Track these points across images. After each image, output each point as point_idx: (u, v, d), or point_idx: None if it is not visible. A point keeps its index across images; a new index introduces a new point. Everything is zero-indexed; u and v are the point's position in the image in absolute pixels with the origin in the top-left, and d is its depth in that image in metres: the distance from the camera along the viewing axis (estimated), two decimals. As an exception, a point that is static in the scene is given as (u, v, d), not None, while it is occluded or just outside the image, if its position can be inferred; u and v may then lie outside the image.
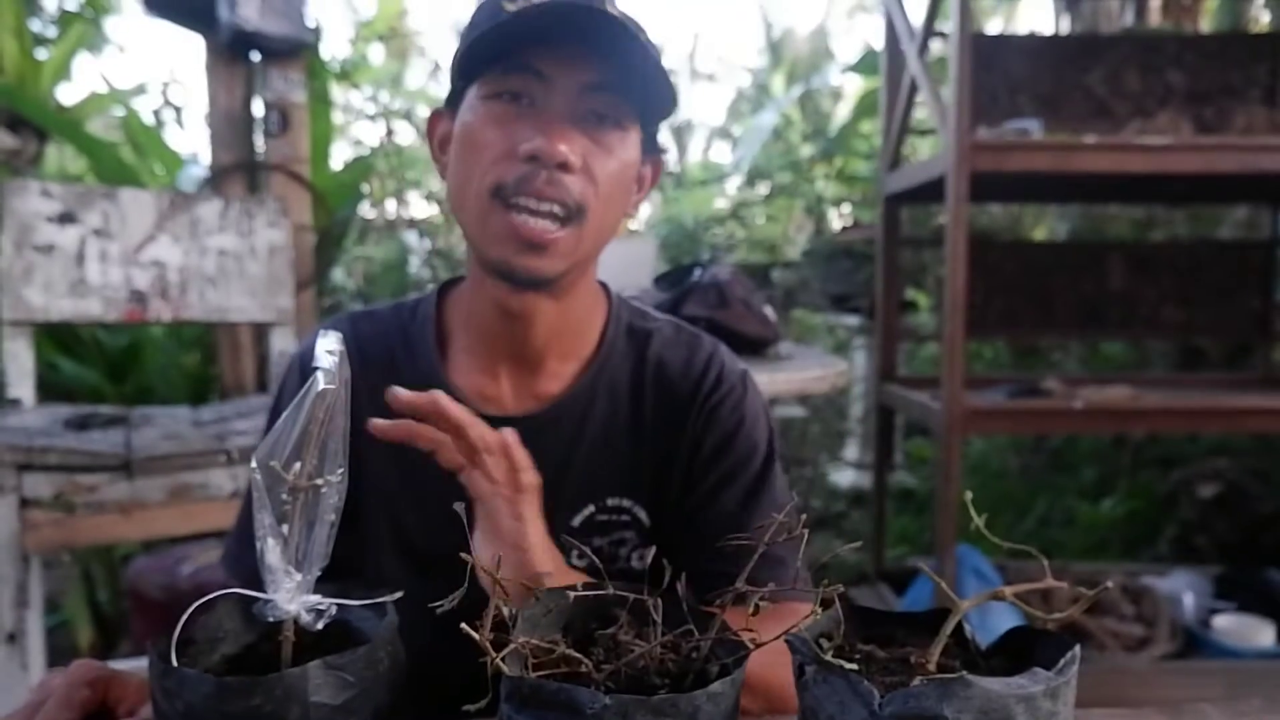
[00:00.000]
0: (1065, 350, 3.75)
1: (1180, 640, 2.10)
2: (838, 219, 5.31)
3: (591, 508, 0.92)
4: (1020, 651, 0.62)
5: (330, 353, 0.60)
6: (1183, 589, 2.28)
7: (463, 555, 0.58)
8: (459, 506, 0.62)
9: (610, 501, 0.92)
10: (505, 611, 0.59)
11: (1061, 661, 0.55)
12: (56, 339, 2.57)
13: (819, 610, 0.62)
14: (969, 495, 0.72)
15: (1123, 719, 0.83)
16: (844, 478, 4.28)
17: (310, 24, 2.50)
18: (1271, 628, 2.08)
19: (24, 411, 1.83)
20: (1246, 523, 2.79)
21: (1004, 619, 2.08)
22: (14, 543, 1.45)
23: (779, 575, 0.68)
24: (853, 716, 0.54)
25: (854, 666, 0.55)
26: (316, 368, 0.59)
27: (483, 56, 0.81)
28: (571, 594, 0.64)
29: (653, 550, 0.82)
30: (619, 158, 0.84)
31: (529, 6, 0.77)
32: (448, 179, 0.88)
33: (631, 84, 0.82)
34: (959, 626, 0.63)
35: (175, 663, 0.56)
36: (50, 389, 2.50)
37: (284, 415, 0.58)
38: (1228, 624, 2.10)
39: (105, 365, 2.57)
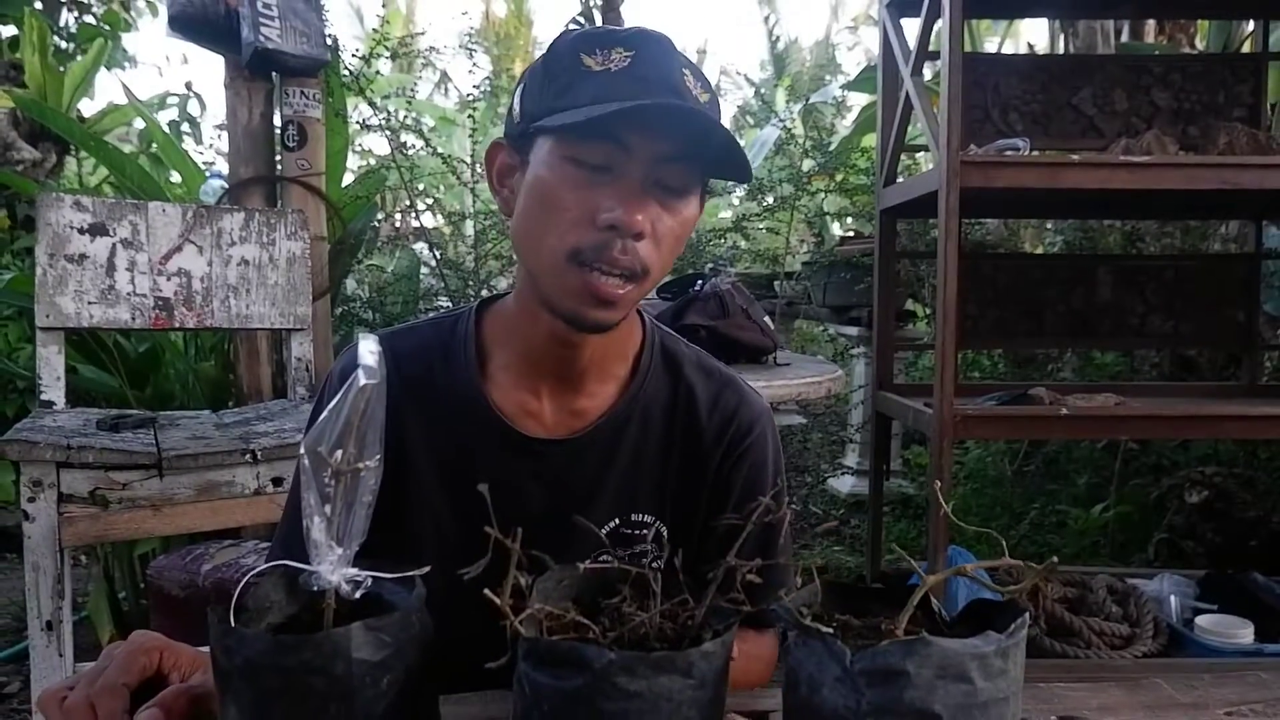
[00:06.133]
0: (1062, 360, 3.82)
1: (1164, 639, 2.17)
2: (840, 231, 5.38)
3: (616, 520, 0.98)
4: (981, 620, 0.69)
5: (371, 353, 0.69)
6: (1168, 590, 2.35)
7: (486, 529, 0.65)
8: (483, 487, 0.70)
9: (635, 516, 0.99)
10: (522, 581, 0.67)
11: (1012, 626, 0.63)
12: (78, 345, 2.65)
13: (799, 581, 0.70)
14: (938, 484, 0.80)
15: (1082, 692, 0.90)
16: (844, 484, 4.34)
17: (328, 42, 2.60)
18: (1251, 627, 2.15)
19: (56, 413, 1.92)
20: (1232, 528, 2.85)
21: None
22: (53, 536, 1.53)
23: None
24: (828, 674, 0.62)
25: (830, 630, 0.63)
26: (359, 365, 0.67)
27: (570, 121, 0.82)
28: (581, 567, 0.72)
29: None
30: (682, 219, 0.88)
31: (621, 75, 0.82)
32: (516, 222, 0.91)
33: (704, 156, 0.86)
34: (927, 601, 0.72)
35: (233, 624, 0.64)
36: (71, 393, 2.59)
37: (328, 408, 0.66)
38: (1210, 623, 2.17)
39: (126, 371, 2.65)
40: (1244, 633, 2.14)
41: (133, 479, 1.58)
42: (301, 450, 0.66)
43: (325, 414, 0.66)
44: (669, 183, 0.85)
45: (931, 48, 2.44)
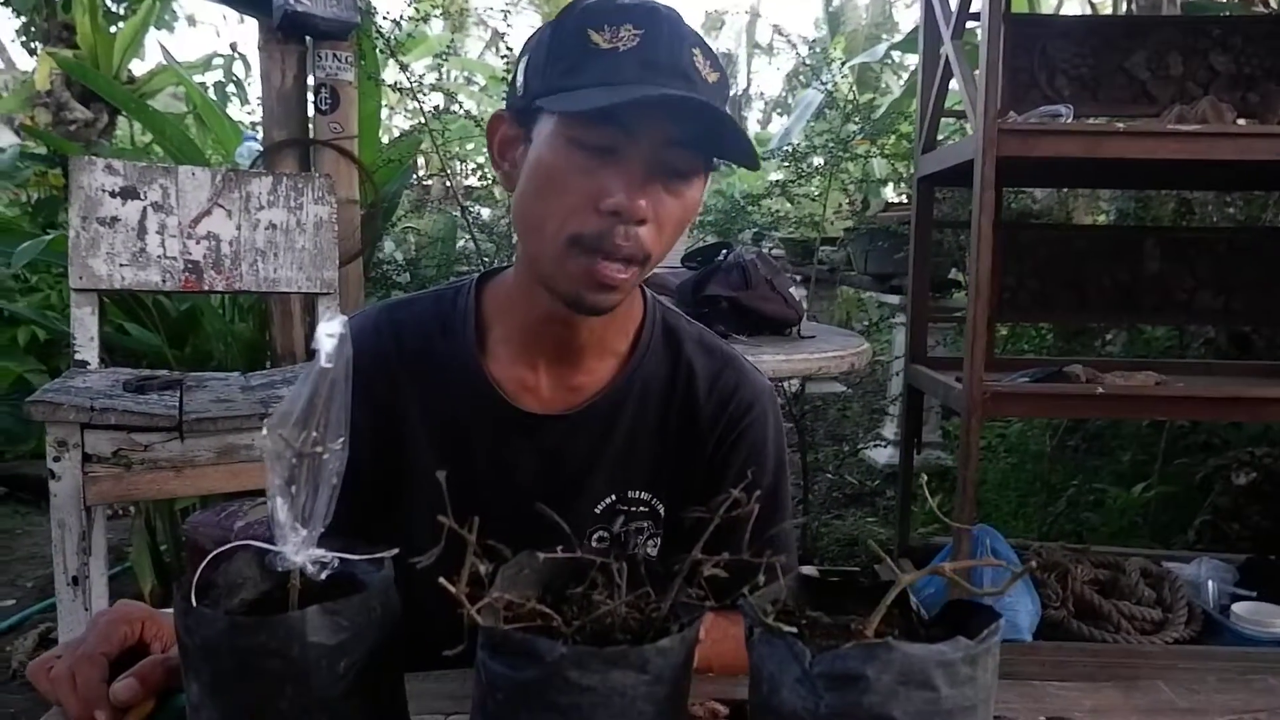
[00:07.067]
0: (1114, 335, 3.70)
1: (1197, 625, 2.11)
2: (893, 196, 5.25)
3: (613, 497, 0.98)
4: (959, 623, 0.67)
5: (330, 335, 0.67)
6: (1205, 575, 2.28)
7: (440, 518, 0.64)
8: (441, 474, 0.69)
9: (631, 494, 0.98)
10: (482, 569, 0.66)
11: (984, 632, 0.61)
12: (123, 305, 2.72)
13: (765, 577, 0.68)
14: (924, 478, 0.77)
15: (1075, 692, 0.87)
16: (881, 455, 4.30)
17: (360, 5, 2.59)
18: (1289, 617, 2.08)
19: (88, 373, 1.96)
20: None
21: (1021, 600, 2.12)
22: (77, 494, 1.57)
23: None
24: (788, 674, 0.60)
25: (791, 629, 0.61)
26: (317, 348, 0.66)
27: (573, 108, 0.81)
28: (543, 555, 0.71)
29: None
30: (685, 203, 0.87)
31: (629, 56, 0.80)
32: (516, 201, 0.90)
33: (710, 139, 0.84)
34: (905, 599, 0.69)
35: (195, 604, 0.65)
36: (119, 351, 2.66)
37: (292, 390, 0.65)
38: (1246, 611, 2.10)
39: (166, 331, 2.71)
40: (1281, 622, 2.08)
41: (154, 441, 1.61)
42: (264, 432, 0.66)
43: (289, 395, 0.66)
44: (675, 165, 0.84)
45: (975, 8, 2.34)
